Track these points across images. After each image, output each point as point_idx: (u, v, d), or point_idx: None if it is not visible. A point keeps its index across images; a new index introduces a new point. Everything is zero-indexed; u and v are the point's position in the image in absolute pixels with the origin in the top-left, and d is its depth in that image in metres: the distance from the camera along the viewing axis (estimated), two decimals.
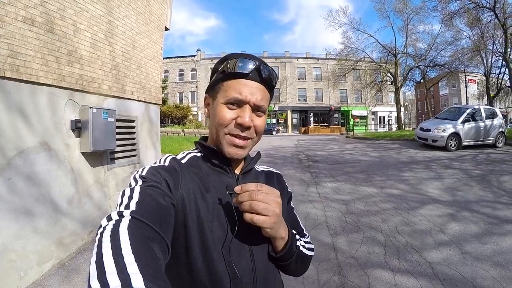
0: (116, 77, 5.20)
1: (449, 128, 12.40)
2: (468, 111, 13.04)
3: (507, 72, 23.39)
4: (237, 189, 0.76)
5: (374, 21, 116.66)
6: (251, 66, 0.84)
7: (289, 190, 1.10)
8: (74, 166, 4.21)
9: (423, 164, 9.89)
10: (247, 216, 0.73)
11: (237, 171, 0.96)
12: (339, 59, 33.57)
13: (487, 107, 14.72)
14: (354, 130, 31.50)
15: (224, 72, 0.86)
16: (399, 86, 29.41)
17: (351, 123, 34.53)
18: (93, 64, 4.60)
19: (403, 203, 5.86)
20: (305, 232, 1.09)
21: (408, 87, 38.86)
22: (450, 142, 12.40)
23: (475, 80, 38.74)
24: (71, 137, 4.18)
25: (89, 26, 4.51)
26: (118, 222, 0.57)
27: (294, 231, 0.98)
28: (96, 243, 0.52)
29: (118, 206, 0.66)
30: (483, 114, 13.16)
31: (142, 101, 6.17)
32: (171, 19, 7.64)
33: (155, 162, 0.86)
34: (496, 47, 25.14)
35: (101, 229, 0.56)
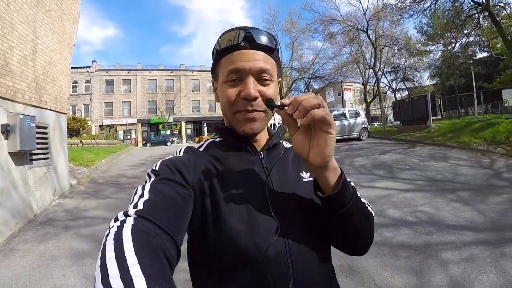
0: (35, 88, 5.71)
1: None
2: (334, 112, 15.87)
3: (382, 80, 30.33)
4: (284, 100, 0.64)
5: None
6: (239, 35, 0.76)
7: None
8: (3, 164, 4.68)
9: None
10: (318, 111, 0.59)
11: (260, 148, 0.85)
12: None
13: (351, 109, 18.40)
14: None
15: (217, 50, 0.80)
16: (284, 95, 32.71)
17: None
18: (19, 77, 5.12)
19: None
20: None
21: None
22: None
23: (350, 89, 46.86)
24: (1, 139, 4.66)
25: (18, 44, 5.05)
26: (122, 223, 0.53)
27: None
28: (101, 246, 0.49)
29: (129, 205, 0.61)
30: (347, 115, 16.00)
31: (54, 111, 6.66)
32: (77, 35, 8.16)
33: (172, 155, 0.81)
34: (367, 61, 30.89)
35: (107, 232, 0.53)
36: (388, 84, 37.24)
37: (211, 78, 0.89)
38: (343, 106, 37.83)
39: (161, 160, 0.75)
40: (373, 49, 28.13)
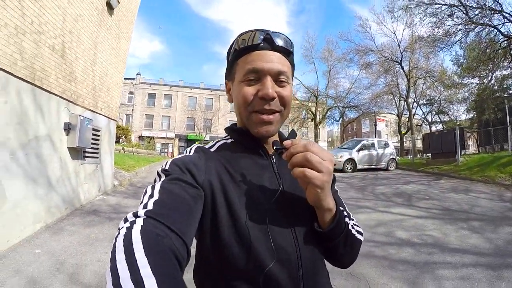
0: (93, 95, 6.50)
1: (345, 155, 14.87)
2: (362, 142, 15.83)
3: (417, 112, 29.53)
4: (287, 143, 0.68)
5: (301, 65, 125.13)
6: (260, 35, 0.76)
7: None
8: (62, 156, 5.38)
9: None
10: (298, 170, 0.64)
11: (271, 152, 0.85)
12: None
13: (380, 139, 18.17)
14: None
15: (235, 50, 0.79)
16: (317, 123, 32.72)
17: None
18: (81, 84, 5.89)
19: None
20: (351, 216, 0.90)
21: (328, 125, 43.09)
22: (347, 166, 14.66)
23: (383, 120, 46.35)
24: (63, 135, 5.38)
25: (82, 55, 5.86)
26: (132, 224, 0.54)
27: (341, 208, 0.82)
28: (111, 248, 0.49)
29: (139, 205, 0.62)
30: (376, 145, 15.85)
31: (107, 117, 7.42)
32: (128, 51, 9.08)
33: (181, 154, 0.80)
34: (401, 92, 30.41)
35: (116, 233, 0.54)
36: (423, 116, 36.38)
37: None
38: (375, 136, 37.37)
39: (171, 159, 0.75)
40: (407, 80, 27.95)
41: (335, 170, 14.32)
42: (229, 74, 0.85)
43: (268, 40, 0.76)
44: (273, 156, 0.84)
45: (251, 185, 0.75)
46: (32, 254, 3.78)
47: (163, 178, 0.68)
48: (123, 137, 22.99)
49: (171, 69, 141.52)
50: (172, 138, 42.23)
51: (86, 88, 6.11)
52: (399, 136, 31.90)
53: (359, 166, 15.18)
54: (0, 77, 3.78)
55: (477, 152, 20.87)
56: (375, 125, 36.69)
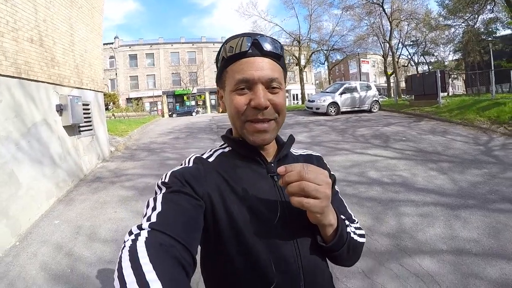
0: (77, 74, 6.81)
1: (328, 99, 15.24)
2: (345, 85, 16.04)
3: (403, 53, 30.06)
4: (280, 170, 0.65)
5: (280, 10, 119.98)
6: (247, 42, 0.73)
7: (332, 173, 0.87)
8: (60, 135, 5.90)
9: (303, 124, 12.37)
10: (295, 200, 0.63)
11: (270, 159, 0.85)
12: None
13: (363, 82, 18.56)
14: None
15: (223, 58, 0.77)
16: (302, 67, 32.58)
17: None
18: (63, 66, 6.20)
19: None
20: (353, 217, 0.94)
21: (315, 68, 43.08)
22: (330, 109, 14.98)
23: (367, 61, 46.67)
24: (57, 116, 5.85)
25: (60, 39, 6.10)
26: (137, 236, 0.55)
27: (342, 217, 0.82)
28: (118, 260, 0.50)
29: (142, 217, 0.63)
30: (358, 88, 16.05)
31: (93, 90, 7.78)
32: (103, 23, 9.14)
33: (181, 165, 0.82)
34: (385, 34, 29.98)
35: (122, 246, 0.54)
36: (409, 57, 36.01)
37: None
38: (360, 78, 37.19)
39: (170, 172, 0.74)
40: (389, 23, 27.40)
41: (319, 114, 14.83)
42: (220, 82, 0.83)
43: (256, 46, 0.74)
44: (274, 163, 0.83)
45: (251, 196, 0.74)
46: (52, 225, 4.49)
47: (163, 191, 0.68)
48: (111, 103, 23.12)
49: (148, 27, 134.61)
50: (160, 96, 42.02)
51: (69, 68, 6.43)
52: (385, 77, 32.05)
53: (343, 109, 15.48)
54: None
55: (465, 93, 21.04)
56: (359, 67, 36.58)
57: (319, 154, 1.03)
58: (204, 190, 0.72)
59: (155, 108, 41.38)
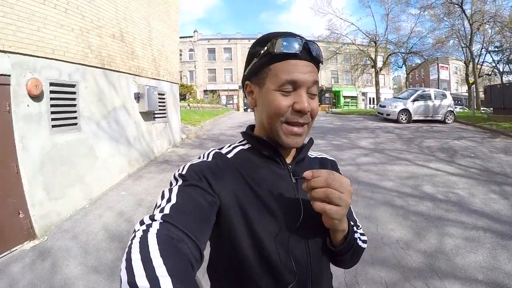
0: (154, 66, 7.58)
1: (400, 105, 14.26)
2: (418, 92, 14.88)
3: (486, 60, 25.45)
4: (307, 174, 0.66)
5: (356, 9, 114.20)
6: (298, 44, 0.72)
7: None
8: (136, 120, 6.68)
9: (370, 129, 11.96)
10: (318, 205, 0.64)
11: (289, 160, 0.84)
12: (326, 42, 34.02)
13: (438, 90, 16.63)
14: (342, 108, 33.47)
15: (270, 54, 0.72)
16: (378, 69, 30.96)
17: (342, 102, 35.26)
18: (141, 59, 6.97)
19: (337, 148, 8.31)
20: (358, 223, 0.94)
21: (392, 71, 39.92)
22: (401, 116, 14.00)
23: (446, 67, 41.94)
24: (134, 103, 6.63)
25: (139, 35, 6.86)
26: (148, 227, 0.55)
27: (351, 223, 0.83)
28: (126, 249, 0.50)
29: (155, 208, 0.63)
30: (433, 95, 14.70)
31: (169, 81, 8.55)
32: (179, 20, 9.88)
33: (199, 157, 0.81)
34: (467, 38, 25.74)
35: (132, 235, 0.54)
36: (492, 65, 30.17)
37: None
38: (439, 86, 33.48)
39: (188, 164, 0.75)
40: (469, 26, 23.46)
41: (390, 120, 14.21)
42: (255, 77, 0.78)
43: (306, 49, 0.73)
44: (290, 166, 0.82)
45: (269, 197, 0.74)
46: (119, 196, 5.20)
47: (180, 183, 0.69)
48: (187, 94, 24.63)
49: (227, 21, 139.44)
50: (236, 90, 43.45)
51: (147, 61, 7.20)
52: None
53: (414, 117, 14.34)
54: (79, 69, 4.95)
55: None
56: (438, 73, 33.06)
57: (334, 159, 1.02)
58: (221, 187, 0.71)
59: (231, 102, 42.71)
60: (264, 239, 0.70)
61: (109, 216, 4.41)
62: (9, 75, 3.72)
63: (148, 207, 4.65)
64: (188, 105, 17.32)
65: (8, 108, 3.70)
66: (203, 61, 43.43)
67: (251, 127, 0.89)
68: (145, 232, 0.53)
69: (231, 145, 0.87)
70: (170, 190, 0.66)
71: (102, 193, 5.25)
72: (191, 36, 43.31)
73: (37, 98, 4.09)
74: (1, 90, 3.64)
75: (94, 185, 5.13)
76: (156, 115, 7.68)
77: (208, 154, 0.80)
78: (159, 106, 7.61)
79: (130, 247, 0.50)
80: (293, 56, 0.71)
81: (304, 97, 0.72)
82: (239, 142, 0.88)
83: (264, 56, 0.74)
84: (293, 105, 0.72)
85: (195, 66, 42.53)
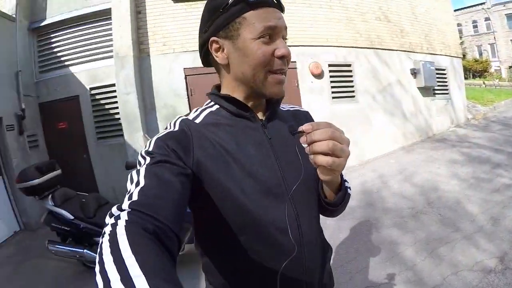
0: (427, 41, 7.30)
1: None
2: None
3: None
4: (306, 127, 0.59)
5: None
6: None
7: None
8: (413, 95, 6.76)
9: None
10: (323, 159, 0.58)
11: (260, 116, 0.80)
12: None
13: None
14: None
15: (243, 2, 0.67)
16: None
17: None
18: (412, 35, 6.96)
19: None
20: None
21: None
22: None
23: None
24: (410, 78, 6.75)
25: (405, 13, 6.93)
26: (116, 220, 0.50)
27: None
28: (98, 249, 0.46)
29: (126, 195, 0.57)
30: None
31: (448, 55, 7.87)
32: None
33: (165, 128, 0.74)
34: None
35: (103, 230, 0.50)
36: None
37: None
38: None
39: (154, 138, 0.68)
40: None
41: None
42: (224, 30, 0.71)
43: None
44: (264, 121, 0.78)
45: (247, 156, 0.71)
46: (386, 163, 5.59)
47: (147, 161, 0.62)
48: (482, 71, 20.86)
49: None
50: None
51: (419, 37, 7.09)
52: None
53: None
54: (351, 52, 5.91)
55: None
56: None
57: (307, 110, 0.97)
58: (192, 156, 0.67)
59: None
60: (250, 199, 0.68)
61: (369, 176, 4.98)
62: (294, 61, 5.32)
63: (406, 175, 4.87)
64: (483, 82, 14.88)
65: (296, 84, 5.37)
66: (503, 31, 34.00)
67: (217, 87, 0.83)
68: (114, 226, 0.49)
69: (198, 109, 0.80)
70: (138, 172, 0.60)
71: (373, 158, 5.85)
72: (483, 3, 34.99)
73: (318, 76, 5.47)
74: (291, 72, 5.32)
75: (366, 149, 5.83)
76: (436, 91, 7.33)
77: (175, 122, 0.74)
78: (438, 81, 7.20)
79: (101, 248, 0.45)
80: (266, 3, 0.68)
81: (283, 42, 0.70)
82: (206, 105, 0.82)
83: (233, 5, 0.68)
84: (273, 52, 0.69)
85: (494, 37, 34.06)
